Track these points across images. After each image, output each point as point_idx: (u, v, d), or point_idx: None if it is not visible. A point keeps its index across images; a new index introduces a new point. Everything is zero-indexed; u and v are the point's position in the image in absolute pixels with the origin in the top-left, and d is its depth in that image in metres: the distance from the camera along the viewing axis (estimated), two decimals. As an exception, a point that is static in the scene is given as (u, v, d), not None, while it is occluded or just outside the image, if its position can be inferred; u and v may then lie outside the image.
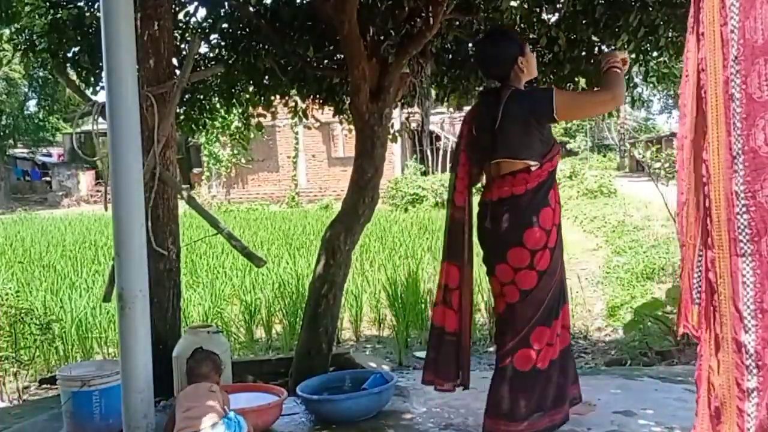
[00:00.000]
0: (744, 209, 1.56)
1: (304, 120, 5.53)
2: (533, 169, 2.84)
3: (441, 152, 24.04)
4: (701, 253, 1.83)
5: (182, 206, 4.09)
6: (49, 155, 34.25)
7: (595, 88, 3.90)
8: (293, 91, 4.96)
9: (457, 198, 3.13)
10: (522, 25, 4.41)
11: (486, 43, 3.13)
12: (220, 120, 5.86)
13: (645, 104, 6.87)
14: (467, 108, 4.08)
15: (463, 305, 3.08)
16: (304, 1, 4.40)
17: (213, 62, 4.75)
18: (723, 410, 1.66)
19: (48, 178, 31.25)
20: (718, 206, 1.62)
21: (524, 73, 2.98)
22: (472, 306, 3.03)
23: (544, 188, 2.86)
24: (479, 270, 7.93)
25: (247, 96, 5.09)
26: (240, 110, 5.31)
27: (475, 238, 3.10)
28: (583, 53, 4.48)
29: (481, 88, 5.00)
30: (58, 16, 4.32)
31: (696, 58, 1.71)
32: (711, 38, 1.62)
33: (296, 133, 23.36)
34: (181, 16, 4.61)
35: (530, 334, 2.84)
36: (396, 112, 5.86)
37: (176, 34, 4.38)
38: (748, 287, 1.58)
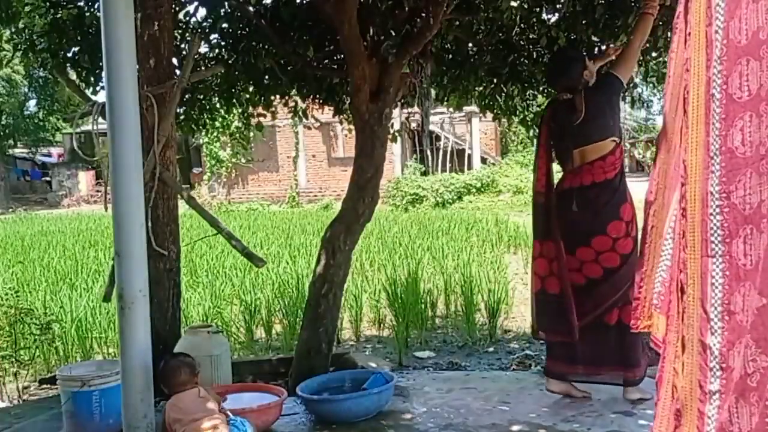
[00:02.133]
0: (717, 210, 1.54)
1: (304, 120, 5.53)
2: (616, 142, 3.44)
3: (441, 152, 24.05)
4: (664, 254, 1.82)
5: (182, 206, 4.08)
6: (49, 155, 34.23)
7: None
8: (293, 91, 4.96)
9: (538, 185, 3.69)
10: (522, 25, 4.41)
11: (554, 69, 3.77)
12: (220, 120, 5.85)
13: (645, 104, 6.87)
14: (467, 108, 4.34)
15: (559, 272, 3.56)
16: (304, 1, 4.40)
17: (213, 62, 4.75)
18: (684, 412, 1.64)
19: (48, 178, 31.24)
20: (693, 207, 1.60)
21: (589, 77, 3.55)
22: (561, 270, 3.57)
23: (624, 171, 3.52)
24: (478, 269, 7.92)
25: (247, 96, 5.09)
26: (240, 110, 5.31)
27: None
28: (583, 53, 4.47)
29: (480, 89, 5.02)
30: (58, 16, 4.31)
31: (681, 58, 1.70)
32: (696, 38, 1.60)
33: (296, 133, 23.36)
34: (181, 16, 4.60)
35: (629, 292, 3.32)
36: (396, 112, 5.87)
37: (176, 34, 4.37)
38: (717, 289, 1.55)
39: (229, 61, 4.60)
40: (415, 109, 5.39)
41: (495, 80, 4.85)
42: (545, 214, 3.63)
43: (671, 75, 1.82)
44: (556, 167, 3.78)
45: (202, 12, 4.68)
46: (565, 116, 3.56)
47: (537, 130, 5.32)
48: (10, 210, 25.42)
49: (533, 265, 3.72)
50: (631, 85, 5.04)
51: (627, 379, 3.51)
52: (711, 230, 1.56)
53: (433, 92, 5.10)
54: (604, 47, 4.38)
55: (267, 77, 4.74)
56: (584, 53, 3.68)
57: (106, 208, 3.46)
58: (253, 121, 5.49)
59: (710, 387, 1.56)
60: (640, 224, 2.15)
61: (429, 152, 23.65)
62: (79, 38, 4.36)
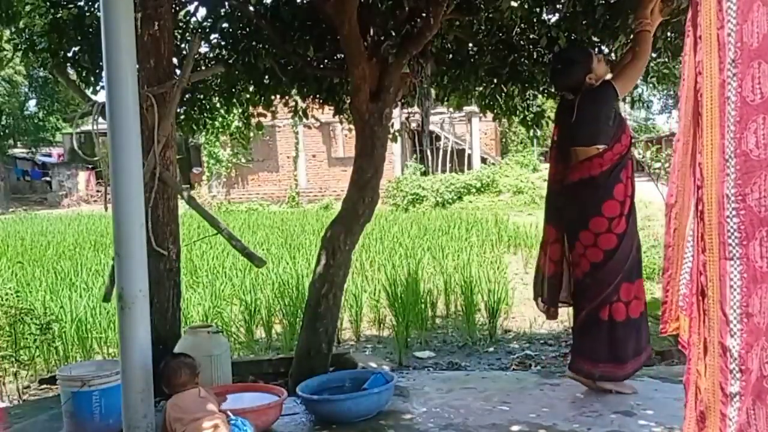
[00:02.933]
0: (734, 212, 1.55)
1: (304, 120, 5.53)
2: (601, 149, 3.50)
3: (441, 152, 24.04)
4: (687, 256, 1.82)
5: (182, 206, 4.08)
6: (49, 155, 34.24)
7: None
8: (293, 91, 4.96)
9: (549, 173, 3.92)
10: (522, 25, 4.41)
11: (555, 70, 3.82)
12: (220, 120, 5.85)
13: (645, 104, 6.87)
14: (467, 108, 4.48)
15: (556, 256, 3.80)
16: (305, 1, 4.40)
17: (213, 62, 4.75)
18: (707, 414, 1.65)
19: (48, 178, 31.24)
20: (710, 209, 1.61)
21: (594, 81, 3.57)
22: (564, 254, 3.79)
23: (617, 169, 3.51)
24: (478, 269, 7.93)
25: (247, 96, 5.09)
26: (240, 110, 5.31)
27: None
28: (588, 55, 4.46)
29: (480, 89, 5.03)
30: (59, 15, 4.31)
31: (693, 61, 1.70)
32: (708, 41, 1.60)
33: (296, 133, 23.36)
34: (181, 16, 4.61)
35: (619, 289, 3.50)
36: (396, 112, 5.86)
37: (176, 34, 4.37)
38: (735, 291, 1.56)
39: (229, 61, 4.60)
40: (415, 109, 5.39)
41: (495, 80, 4.85)
42: (548, 201, 3.90)
43: (685, 78, 1.82)
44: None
45: (202, 12, 4.68)
46: (565, 116, 3.70)
47: (536, 130, 5.39)
48: (10, 210, 25.42)
49: (548, 249, 3.86)
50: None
51: (614, 374, 3.58)
52: (728, 233, 1.56)
53: (433, 92, 5.10)
54: (605, 48, 4.40)
55: (267, 77, 4.74)
56: (590, 54, 3.68)
57: (106, 208, 3.46)
58: (253, 120, 5.49)
59: (731, 389, 1.57)
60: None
61: (429, 152, 23.65)
62: (79, 38, 4.36)
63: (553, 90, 4.84)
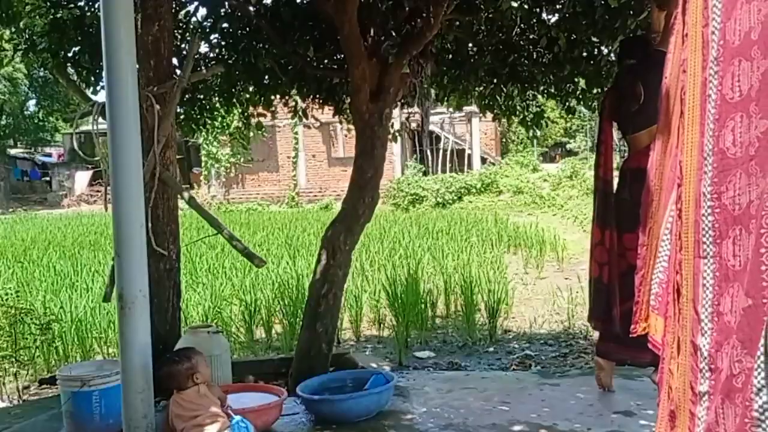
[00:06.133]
0: (709, 211, 1.53)
1: (304, 120, 5.53)
2: None
3: (441, 152, 24.05)
4: (661, 255, 1.82)
5: (182, 206, 4.08)
6: (49, 155, 34.25)
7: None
8: (293, 91, 4.96)
9: (600, 170, 3.64)
10: (522, 25, 4.42)
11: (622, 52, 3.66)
12: (220, 120, 5.85)
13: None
14: (467, 108, 4.32)
15: (613, 263, 3.58)
16: (305, 1, 4.41)
17: (213, 62, 4.75)
18: (677, 414, 1.64)
19: (48, 178, 31.25)
20: (688, 208, 1.60)
21: (657, 37, 3.35)
22: (615, 259, 3.58)
23: None
24: (478, 269, 7.89)
25: (247, 96, 5.09)
26: (240, 110, 5.31)
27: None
28: (583, 54, 4.48)
29: (480, 89, 5.03)
30: (59, 15, 4.32)
31: (678, 59, 1.70)
32: (693, 39, 1.60)
33: (296, 133, 23.38)
34: (181, 16, 4.61)
35: None
36: (396, 112, 5.86)
37: (176, 34, 4.38)
38: (707, 290, 1.54)
39: (229, 61, 4.61)
40: (415, 109, 5.40)
41: (495, 80, 4.86)
42: (605, 201, 3.64)
43: (667, 76, 1.82)
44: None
45: (202, 12, 4.69)
46: (627, 98, 3.49)
47: (536, 130, 5.35)
48: (10, 210, 25.42)
49: (594, 251, 3.70)
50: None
51: None
52: (703, 231, 1.55)
53: (433, 92, 5.10)
54: (605, 48, 4.40)
55: (267, 77, 4.74)
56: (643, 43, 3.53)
57: (106, 208, 3.46)
58: (253, 120, 5.49)
59: (700, 388, 1.55)
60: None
61: (429, 152, 23.67)
62: (79, 38, 4.36)
63: (551, 91, 4.81)
